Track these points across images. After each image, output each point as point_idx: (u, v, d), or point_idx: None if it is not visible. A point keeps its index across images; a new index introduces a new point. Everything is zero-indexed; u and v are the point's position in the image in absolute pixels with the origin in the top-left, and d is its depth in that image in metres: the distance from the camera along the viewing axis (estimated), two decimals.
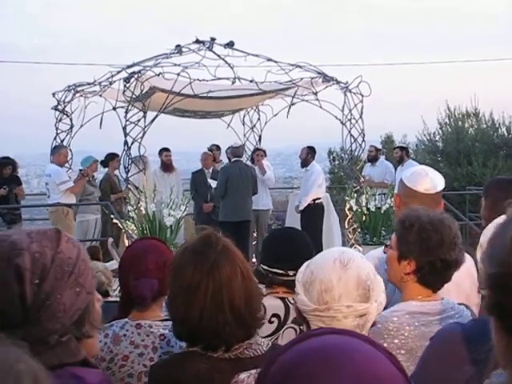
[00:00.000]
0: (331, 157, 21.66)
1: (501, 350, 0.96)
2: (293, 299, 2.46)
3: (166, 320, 2.43)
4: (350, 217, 9.81)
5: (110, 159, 10.11)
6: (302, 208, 9.66)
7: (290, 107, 10.60)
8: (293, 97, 10.21)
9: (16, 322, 1.36)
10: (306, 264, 1.75)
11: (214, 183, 9.89)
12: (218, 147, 11.36)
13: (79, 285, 1.43)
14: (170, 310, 2.06)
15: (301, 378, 0.83)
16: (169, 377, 1.96)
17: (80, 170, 9.48)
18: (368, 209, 9.34)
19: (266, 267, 2.70)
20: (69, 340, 1.43)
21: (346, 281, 1.64)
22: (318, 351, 0.86)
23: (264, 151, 10.80)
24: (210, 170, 10.31)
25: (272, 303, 2.58)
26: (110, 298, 4.31)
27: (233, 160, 9.65)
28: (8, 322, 1.36)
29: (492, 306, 0.93)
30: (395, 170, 10.69)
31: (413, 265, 2.26)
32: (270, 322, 2.57)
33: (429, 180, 2.82)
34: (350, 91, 9.80)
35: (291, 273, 2.56)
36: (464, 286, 2.63)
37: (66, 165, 9.89)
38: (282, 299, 2.63)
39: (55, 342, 1.40)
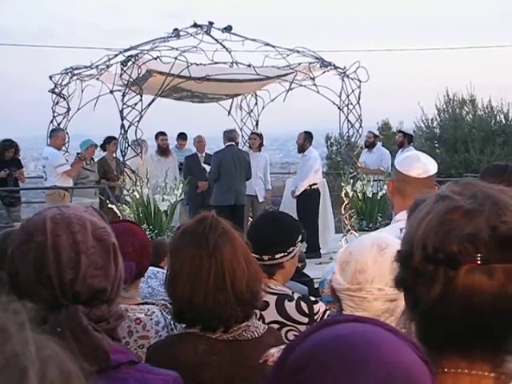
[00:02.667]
0: (329, 142, 21.67)
1: (405, 322, 1.03)
2: (266, 285, 2.46)
3: (142, 304, 2.42)
4: (346, 203, 9.83)
5: (107, 143, 10.09)
6: (298, 193, 9.66)
7: (287, 92, 10.57)
8: (291, 82, 10.18)
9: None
10: (346, 245, 1.83)
11: (208, 168, 9.88)
12: (184, 135, 11.52)
13: None
14: (172, 293, 2.03)
15: (320, 367, 0.78)
16: (167, 358, 1.92)
17: (77, 154, 9.46)
18: (364, 195, 9.36)
19: None
20: None
21: (381, 264, 1.67)
22: (339, 340, 0.81)
23: (259, 135, 10.76)
24: (204, 154, 10.32)
25: None
26: None
27: (226, 144, 9.59)
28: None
29: (398, 281, 1.02)
30: (394, 154, 10.65)
31: None
32: None
33: (421, 165, 2.83)
34: (348, 76, 9.76)
35: (266, 257, 2.56)
36: None
37: (63, 148, 9.87)
38: None
39: None
